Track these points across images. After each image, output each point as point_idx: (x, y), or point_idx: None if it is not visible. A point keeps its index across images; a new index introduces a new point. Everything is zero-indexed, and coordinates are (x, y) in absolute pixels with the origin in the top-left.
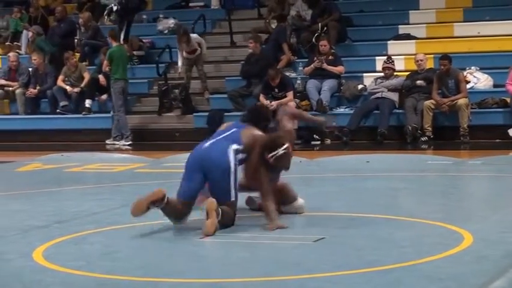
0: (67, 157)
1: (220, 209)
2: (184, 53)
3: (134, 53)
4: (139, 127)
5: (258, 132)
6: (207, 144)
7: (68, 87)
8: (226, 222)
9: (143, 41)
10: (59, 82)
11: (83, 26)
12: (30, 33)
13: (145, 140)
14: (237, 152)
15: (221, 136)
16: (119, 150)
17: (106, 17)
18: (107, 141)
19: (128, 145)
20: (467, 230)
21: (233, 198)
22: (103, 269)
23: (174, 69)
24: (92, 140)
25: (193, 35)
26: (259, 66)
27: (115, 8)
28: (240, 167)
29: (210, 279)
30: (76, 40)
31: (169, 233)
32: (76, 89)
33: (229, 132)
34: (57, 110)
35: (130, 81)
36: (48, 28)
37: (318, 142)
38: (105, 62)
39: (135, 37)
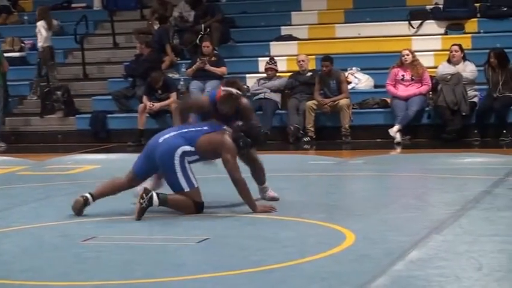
0: None
1: (155, 196)
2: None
3: (17, 54)
4: (20, 129)
5: (227, 141)
6: (162, 139)
7: None
8: (180, 210)
9: (25, 42)
10: None
11: None
12: None
13: (27, 143)
14: (185, 154)
15: (178, 132)
16: None
17: None
18: None
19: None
20: (349, 229)
21: (186, 189)
22: None
23: (57, 71)
24: None
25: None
26: (144, 67)
27: None
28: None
29: (92, 282)
30: None
31: (53, 236)
32: None
33: (189, 129)
34: None
35: (12, 83)
36: None
37: None
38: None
39: (16, 38)
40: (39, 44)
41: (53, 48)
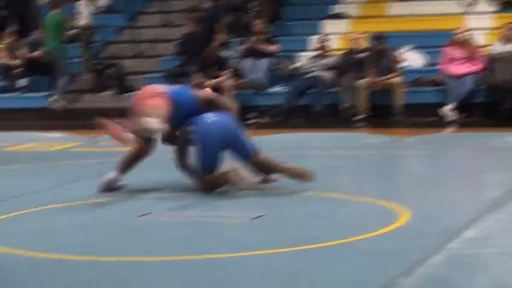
0: (2, 136)
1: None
2: None
3: (70, 32)
4: (74, 106)
5: None
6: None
7: (12, 61)
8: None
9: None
10: (2, 58)
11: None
12: None
13: (80, 120)
14: None
15: None
16: None
17: None
18: None
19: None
20: (404, 207)
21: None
22: (41, 248)
23: (109, 49)
24: (27, 119)
25: None
26: (197, 45)
27: None
28: None
29: (149, 257)
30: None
31: (109, 211)
32: (16, 64)
33: None
34: None
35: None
36: None
37: (254, 121)
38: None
39: (70, 16)
40: (82, 22)
41: (93, 27)
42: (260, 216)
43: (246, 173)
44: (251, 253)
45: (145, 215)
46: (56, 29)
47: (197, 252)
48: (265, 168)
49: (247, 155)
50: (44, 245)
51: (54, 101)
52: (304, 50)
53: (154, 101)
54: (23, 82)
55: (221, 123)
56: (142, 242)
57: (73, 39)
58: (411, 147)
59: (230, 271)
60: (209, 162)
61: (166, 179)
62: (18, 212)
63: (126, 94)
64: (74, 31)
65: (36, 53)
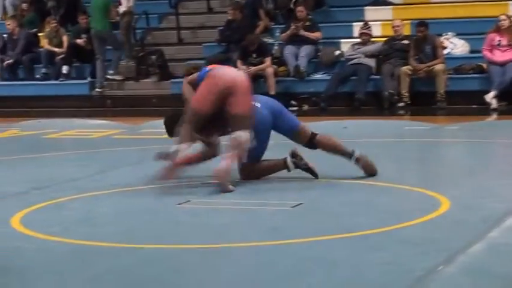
0: (44, 123)
1: None
2: None
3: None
4: (115, 93)
5: None
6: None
7: (56, 49)
8: None
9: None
10: (45, 45)
11: None
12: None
13: (122, 106)
14: None
15: None
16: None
17: None
18: None
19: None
20: (445, 195)
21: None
22: (82, 235)
23: (151, 35)
24: (70, 106)
25: None
26: (239, 32)
27: None
28: None
29: (188, 245)
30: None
31: (149, 199)
32: (60, 51)
33: None
34: (37, 76)
35: (107, 47)
36: None
37: (295, 108)
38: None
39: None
40: (123, 9)
41: (133, 14)
42: (300, 204)
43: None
44: (291, 241)
45: (184, 203)
46: (103, 10)
47: (235, 240)
48: (325, 146)
49: (295, 123)
50: (84, 232)
51: (112, 74)
52: (347, 37)
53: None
54: (66, 69)
55: (266, 102)
56: (180, 230)
57: (115, 26)
58: (453, 135)
59: (269, 259)
60: (258, 151)
61: (205, 167)
62: (60, 199)
63: (167, 81)
64: (117, 18)
65: (79, 40)
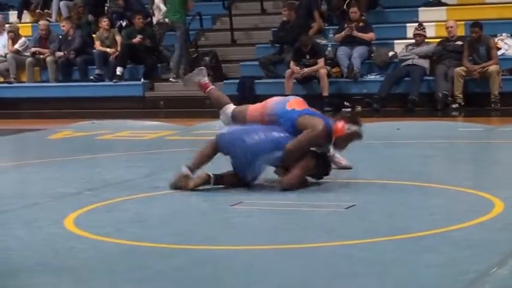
0: (98, 125)
1: None
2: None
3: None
4: (169, 95)
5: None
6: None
7: (108, 49)
8: None
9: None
10: (98, 46)
11: None
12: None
13: (176, 108)
14: None
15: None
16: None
17: None
18: None
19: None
20: (498, 197)
21: None
22: (134, 236)
23: (205, 37)
24: (123, 108)
25: None
26: (293, 33)
27: None
28: None
29: (241, 246)
30: (106, 8)
31: (200, 200)
32: (113, 52)
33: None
34: (91, 78)
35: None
36: None
37: (349, 109)
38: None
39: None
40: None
41: (200, 14)
42: (353, 205)
43: None
44: (343, 242)
45: (237, 204)
46: (181, 1)
47: (289, 242)
48: None
49: None
50: (136, 233)
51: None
52: (401, 38)
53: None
54: (119, 70)
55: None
56: (233, 231)
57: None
58: (507, 136)
59: (322, 260)
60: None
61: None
62: (113, 200)
63: (221, 82)
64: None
65: (135, 39)
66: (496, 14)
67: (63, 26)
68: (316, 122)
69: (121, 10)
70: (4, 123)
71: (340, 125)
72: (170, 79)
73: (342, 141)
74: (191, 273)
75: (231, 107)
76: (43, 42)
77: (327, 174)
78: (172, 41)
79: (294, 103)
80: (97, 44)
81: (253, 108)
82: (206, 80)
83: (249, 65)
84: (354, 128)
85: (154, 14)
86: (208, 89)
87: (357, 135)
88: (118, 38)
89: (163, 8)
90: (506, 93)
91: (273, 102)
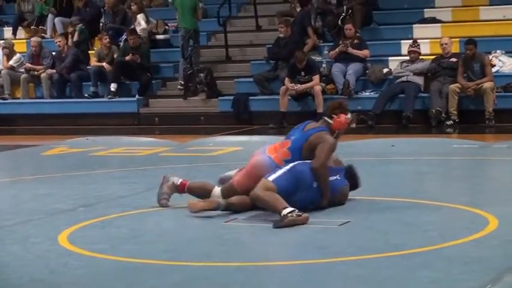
0: (92, 141)
1: None
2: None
3: (161, 36)
4: (164, 111)
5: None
6: None
7: (105, 64)
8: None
9: (169, 24)
10: (94, 63)
11: (110, 10)
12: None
13: (170, 124)
14: None
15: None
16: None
17: None
18: None
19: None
20: (493, 214)
21: None
22: (128, 252)
23: (200, 53)
24: (117, 124)
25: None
26: (287, 50)
27: None
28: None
29: (236, 263)
30: (101, 24)
31: (194, 217)
32: (109, 68)
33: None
34: (86, 95)
35: (155, 64)
36: (72, 12)
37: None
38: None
39: (161, 20)
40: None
41: (197, 31)
42: (347, 222)
43: None
44: (337, 259)
45: (231, 220)
46: (192, 9)
47: (283, 258)
48: None
49: None
50: (131, 249)
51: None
52: (395, 55)
53: None
54: (113, 87)
55: None
56: (227, 248)
57: (164, 44)
58: (501, 153)
59: (316, 277)
60: None
61: None
62: (107, 217)
63: (215, 99)
64: (166, 36)
65: (128, 57)
66: (490, 31)
67: (59, 41)
68: (320, 135)
69: (117, 26)
70: None
71: (343, 119)
72: (179, 87)
73: (342, 132)
74: None
75: (217, 190)
76: (35, 58)
77: (356, 187)
78: (167, 57)
79: (270, 151)
80: (93, 61)
81: (238, 179)
82: (179, 180)
83: (243, 81)
84: (350, 116)
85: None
86: (187, 185)
87: (354, 120)
88: (115, 55)
89: (143, 24)
90: (500, 110)
91: (256, 158)
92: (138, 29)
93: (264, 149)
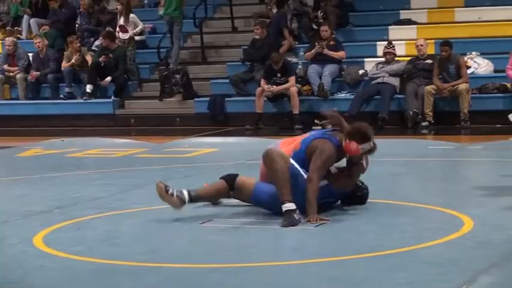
0: (68, 142)
1: None
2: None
3: (137, 38)
4: (140, 112)
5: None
6: None
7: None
8: None
9: (145, 26)
10: (65, 65)
11: (85, 11)
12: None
13: (146, 125)
14: None
15: None
16: None
17: None
18: None
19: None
20: (468, 215)
21: None
22: (104, 254)
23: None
24: (93, 125)
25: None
26: (263, 51)
27: None
28: None
29: (211, 264)
30: (76, 25)
31: (170, 219)
32: (82, 70)
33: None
34: (61, 96)
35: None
36: (48, 13)
37: (319, 127)
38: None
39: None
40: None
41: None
42: (323, 223)
43: None
44: (313, 260)
45: (207, 222)
46: None
47: (259, 260)
48: None
49: None
50: (107, 251)
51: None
52: (371, 56)
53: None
54: (89, 88)
55: None
56: (204, 249)
57: (140, 45)
58: (476, 154)
59: (292, 278)
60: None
61: None
62: (82, 218)
63: (191, 100)
64: (142, 37)
65: (101, 58)
66: (465, 32)
67: (38, 42)
68: (320, 143)
69: (92, 27)
70: None
71: (354, 147)
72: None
73: (360, 160)
74: None
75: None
76: (10, 59)
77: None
78: (143, 58)
79: (283, 145)
80: (64, 64)
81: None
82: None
83: (219, 82)
84: (367, 145)
85: (126, 30)
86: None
87: (373, 151)
88: (89, 57)
89: (141, 24)
90: (475, 112)
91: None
92: (131, 29)
93: (276, 144)
